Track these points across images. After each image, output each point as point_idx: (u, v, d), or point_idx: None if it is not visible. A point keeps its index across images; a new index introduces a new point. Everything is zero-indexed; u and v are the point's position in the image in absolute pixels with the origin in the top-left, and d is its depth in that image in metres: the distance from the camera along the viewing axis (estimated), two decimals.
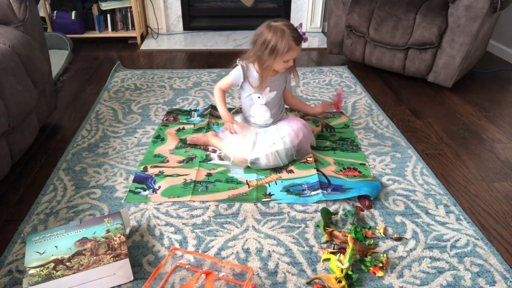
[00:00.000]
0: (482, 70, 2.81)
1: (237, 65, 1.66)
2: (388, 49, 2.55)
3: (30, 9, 1.78)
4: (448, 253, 1.30)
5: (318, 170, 1.66)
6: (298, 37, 1.53)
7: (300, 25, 1.58)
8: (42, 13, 3.20)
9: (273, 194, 1.55)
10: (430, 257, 1.29)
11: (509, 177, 1.71)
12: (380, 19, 2.50)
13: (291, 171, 1.67)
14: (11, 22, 1.74)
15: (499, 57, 3.09)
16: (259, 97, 1.70)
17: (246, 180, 1.62)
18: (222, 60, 3.01)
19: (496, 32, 2.86)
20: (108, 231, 1.23)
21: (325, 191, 1.54)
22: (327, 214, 1.39)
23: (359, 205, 1.49)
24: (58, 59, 2.81)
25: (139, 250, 1.30)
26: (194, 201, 1.50)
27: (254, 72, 1.64)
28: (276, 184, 1.60)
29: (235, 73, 1.68)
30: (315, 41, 3.50)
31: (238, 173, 1.67)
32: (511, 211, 1.51)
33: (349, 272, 1.18)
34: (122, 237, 1.20)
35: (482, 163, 1.80)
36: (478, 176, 1.71)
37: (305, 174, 1.64)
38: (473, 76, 2.72)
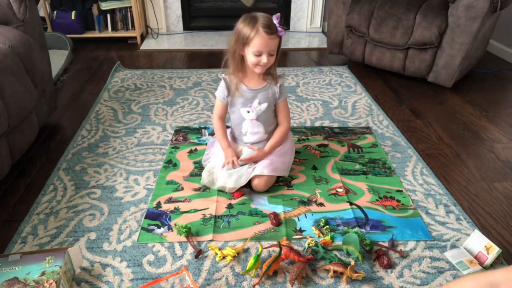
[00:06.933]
0: (482, 70, 2.81)
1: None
2: (388, 49, 2.55)
3: (30, 9, 1.78)
4: None
5: (351, 204, 1.50)
6: (269, 25, 1.37)
7: (277, 16, 1.40)
8: (42, 13, 3.20)
9: (305, 230, 1.39)
10: (430, 257, 1.29)
11: (509, 177, 1.70)
12: (380, 19, 2.50)
13: (321, 204, 1.50)
14: (11, 22, 1.74)
15: (499, 57, 3.09)
16: (248, 111, 1.55)
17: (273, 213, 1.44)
18: (222, 60, 3.00)
19: (496, 32, 2.86)
20: (43, 273, 1.10)
21: (363, 230, 1.38)
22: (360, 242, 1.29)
23: (377, 252, 1.29)
24: (58, 59, 2.81)
25: (139, 250, 1.30)
26: (216, 240, 1.34)
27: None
28: (306, 217, 1.45)
29: (219, 89, 1.57)
30: (315, 41, 3.50)
31: (262, 204, 1.50)
32: (511, 211, 1.51)
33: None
34: (53, 284, 1.07)
35: (482, 163, 1.80)
36: (478, 176, 1.71)
37: (338, 208, 1.48)
38: (473, 76, 2.72)
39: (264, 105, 1.55)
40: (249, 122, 1.58)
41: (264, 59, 1.42)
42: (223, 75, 1.55)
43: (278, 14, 1.42)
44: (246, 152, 1.62)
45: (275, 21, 1.40)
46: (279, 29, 1.39)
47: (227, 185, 1.52)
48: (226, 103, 1.58)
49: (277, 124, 1.64)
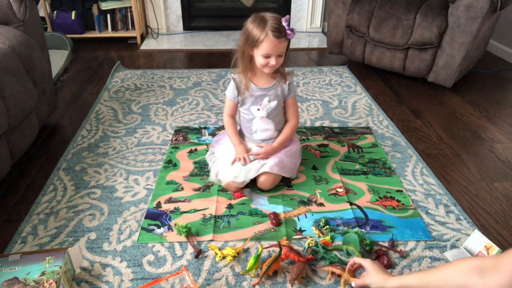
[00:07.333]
0: (482, 70, 2.81)
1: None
2: (388, 49, 2.55)
3: (30, 9, 1.78)
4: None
5: (351, 204, 1.51)
6: (278, 28, 1.36)
7: (286, 18, 1.39)
8: (42, 13, 3.20)
9: (305, 230, 1.40)
10: (430, 257, 1.29)
11: (509, 177, 1.70)
12: (380, 19, 2.50)
13: (321, 204, 1.51)
14: (11, 22, 1.74)
15: (499, 57, 3.09)
16: (258, 109, 1.56)
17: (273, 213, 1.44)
18: (222, 60, 3.01)
19: (496, 32, 2.85)
20: (43, 273, 1.10)
21: (363, 230, 1.39)
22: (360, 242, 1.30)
23: (377, 252, 1.29)
24: (58, 59, 2.81)
25: (139, 250, 1.30)
26: (216, 240, 1.35)
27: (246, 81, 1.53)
28: (306, 217, 1.45)
29: (229, 89, 1.57)
30: (315, 41, 3.50)
31: (262, 204, 1.51)
32: (511, 211, 1.51)
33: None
34: (53, 284, 1.07)
35: (482, 163, 1.80)
36: (478, 176, 1.71)
37: (338, 208, 1.48)
38: (473, 76, 2.72)
39: (274, 103, 1.56)
40: (259, 120, 1.59)
41: (272, 61, 1.42)
42: (232, 74, 1.55)
43: (287, 16, 1.42)
44: (255, 150, 1.62)
45: (284, 24, 1.38)
46: (288, 32, 1.39)
47: (237, 179, 1.52)
48: (237, 102, 1.59)
49: (283, 120, 1.65)
